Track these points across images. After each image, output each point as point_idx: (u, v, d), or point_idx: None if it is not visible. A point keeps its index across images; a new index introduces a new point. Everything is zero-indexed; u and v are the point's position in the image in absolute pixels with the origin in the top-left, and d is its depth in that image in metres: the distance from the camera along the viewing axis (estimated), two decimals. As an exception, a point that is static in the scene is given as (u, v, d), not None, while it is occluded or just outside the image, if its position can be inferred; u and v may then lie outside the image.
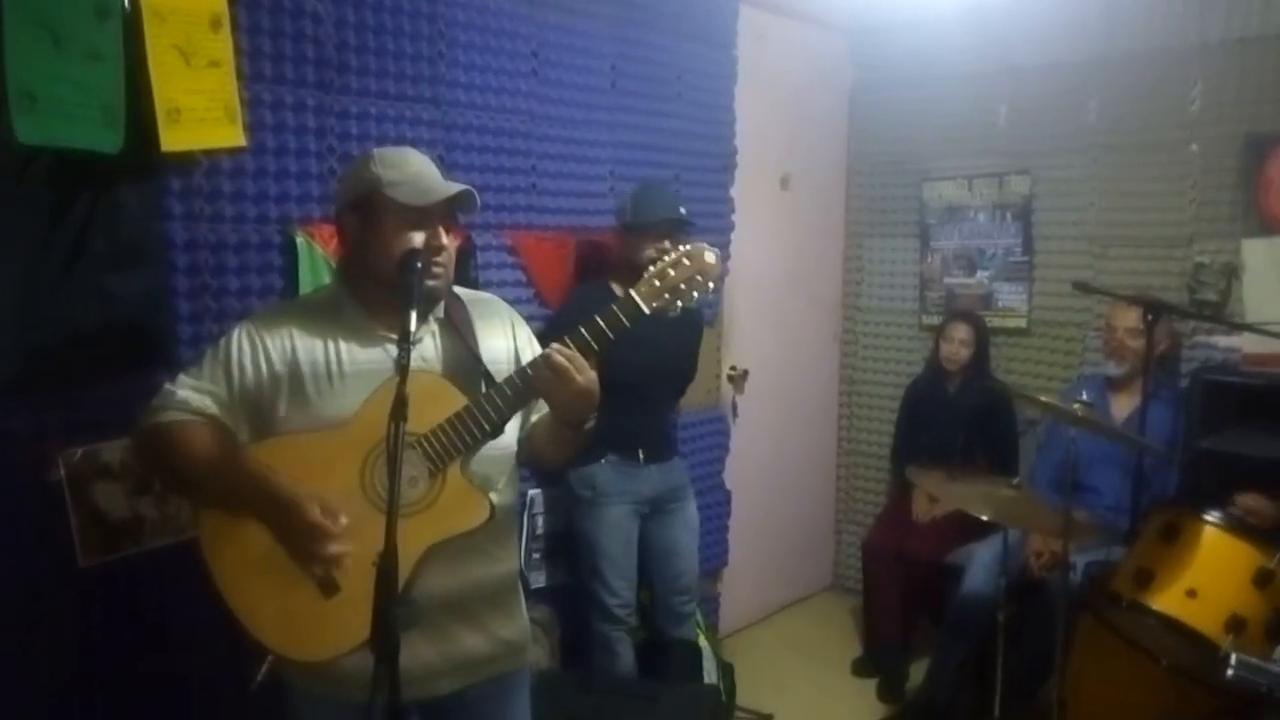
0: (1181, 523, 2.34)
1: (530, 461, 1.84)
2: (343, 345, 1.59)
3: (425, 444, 1.53)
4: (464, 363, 1.64)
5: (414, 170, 1.60)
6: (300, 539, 1.48)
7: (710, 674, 3.13)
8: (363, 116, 2.43)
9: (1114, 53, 3.58)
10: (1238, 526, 2.29)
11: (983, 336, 3.73)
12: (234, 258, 2.21)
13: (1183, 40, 3.42)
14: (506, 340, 1.74)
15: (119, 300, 2.02)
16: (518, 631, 1.76)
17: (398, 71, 2.51)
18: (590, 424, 1.65)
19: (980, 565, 3.20)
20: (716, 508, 3.72)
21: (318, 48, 2.32)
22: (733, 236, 3.63)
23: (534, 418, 1.77)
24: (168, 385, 1.60)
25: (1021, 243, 3.89)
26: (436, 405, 1.54)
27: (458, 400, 1.56)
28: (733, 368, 3.81)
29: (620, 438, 2.74)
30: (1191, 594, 2.21)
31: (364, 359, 1.58)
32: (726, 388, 3.80)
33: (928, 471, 3.08)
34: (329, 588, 1.51)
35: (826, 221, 4.37)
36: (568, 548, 2.97)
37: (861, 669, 3.72)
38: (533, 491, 2.94)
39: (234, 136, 2.11)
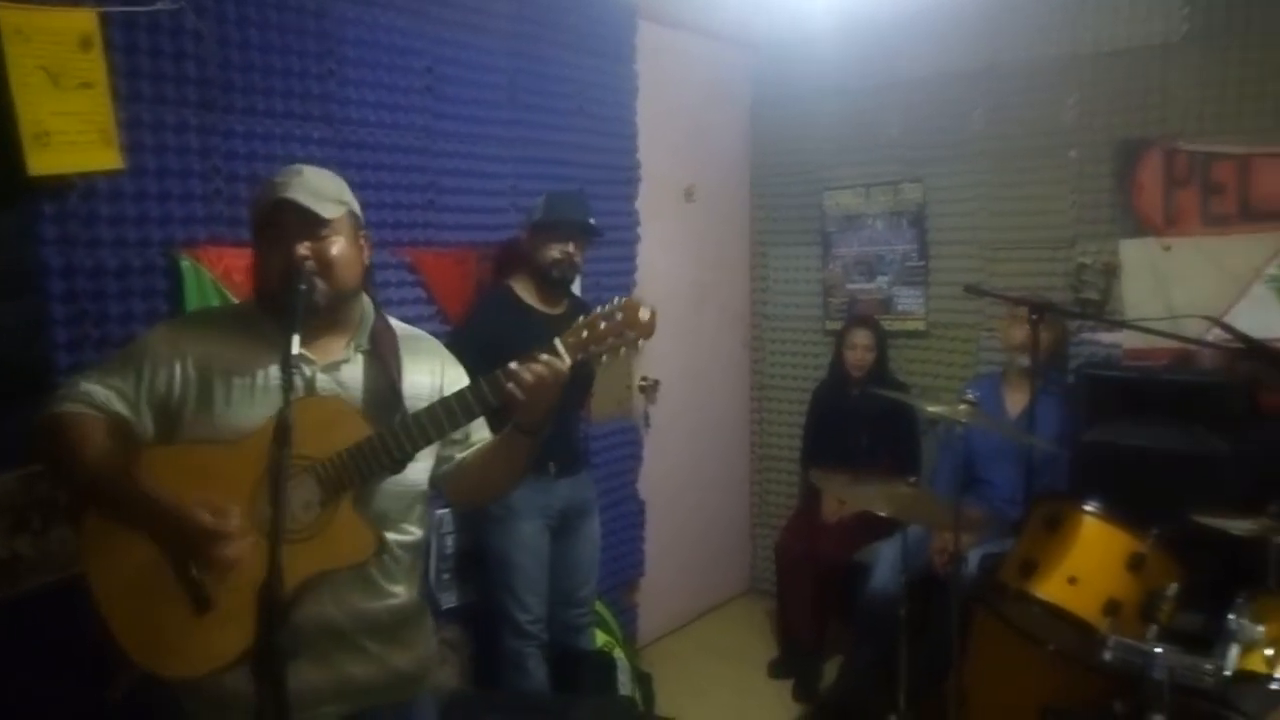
0: (1062, 513, 2.44)
1: (470, 496, 1.79)
2: (258, 359, 1.56)
3: (320, 470, 1.50)
4: (381, 394, 1.61)
5: (270, 189, 1.55)
6: (194, 546, 1.44)
7: (625, 685, 3.14)
8: (249, 136, 2.39)
9: (996, 64, 3.74)
10: (1113, 514, 2.39)
11: (882, 340, 3.83)
12: (115, 283, 2.15)
13: (1059, 51, 3.59)
14: (432, 378, 1.70)
15: (-9, 330, 1.95)
16: (413, 662, 1.70)
17: (285, 89, 2.47)
18: (546, 430, 1.63)
19: (885, 563, 3.29)
20: (631, 518, 3.74)
21: (199, 66, 2.28)
22: (639, 248, 3.67)
23: (459, 455, 1.73)
24: (76, 375, 1.57)
25: (917, 248, 4.01)
26: (339, 432, 1.51)
27: (362, 429, 1.52)
28: (644, 378, 3.83)
29: None
30: (1072, 581, 2.30)
31: (276, 375, 1.53)
32: (638, 398, 3.83)
33: (832, 474, 3.16)
34: (202, 604, 1.46)
35: (732, 231, 4.44)
36: (478, 566, 2.95)
37: (778, 671, 3.77)
38: (440, 511, 2.91)
39: (110, 159, 2.05)
